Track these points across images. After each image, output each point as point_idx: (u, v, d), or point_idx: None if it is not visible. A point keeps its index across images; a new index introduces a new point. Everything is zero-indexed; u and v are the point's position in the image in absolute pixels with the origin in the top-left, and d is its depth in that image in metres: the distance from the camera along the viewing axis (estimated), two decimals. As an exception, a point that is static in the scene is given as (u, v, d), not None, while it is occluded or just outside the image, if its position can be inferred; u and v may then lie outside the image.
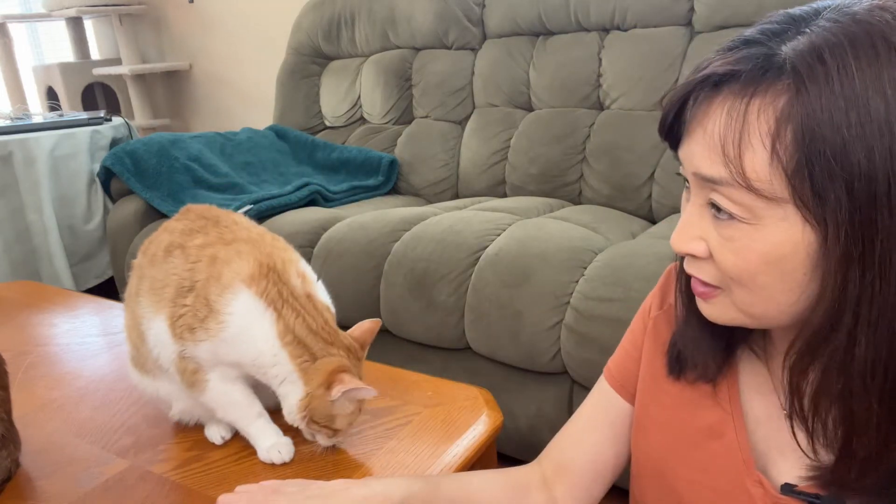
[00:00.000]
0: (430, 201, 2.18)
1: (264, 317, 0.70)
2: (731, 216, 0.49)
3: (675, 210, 1.77)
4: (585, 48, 2.00)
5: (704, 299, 0.55)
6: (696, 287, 0.55)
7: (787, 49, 0.46)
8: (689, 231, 0.53)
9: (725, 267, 0.51)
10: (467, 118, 2.24)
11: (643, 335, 0.69)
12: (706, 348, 0.60)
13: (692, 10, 1.84)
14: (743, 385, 0.61)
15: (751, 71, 0.47)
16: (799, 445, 0.55)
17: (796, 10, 0.49)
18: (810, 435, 0.53)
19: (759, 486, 0.57)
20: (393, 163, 2.25)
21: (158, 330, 0.75)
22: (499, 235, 1.55)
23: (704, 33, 1.83)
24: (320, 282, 0.79)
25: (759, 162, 0.46)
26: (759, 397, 0.60)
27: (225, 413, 0.77)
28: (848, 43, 0.44)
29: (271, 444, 0.77)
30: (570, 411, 1.43)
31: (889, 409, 0.48)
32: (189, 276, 0.73)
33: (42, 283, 1.62)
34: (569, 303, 1.36)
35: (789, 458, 0.57)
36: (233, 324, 0.70)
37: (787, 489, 0.55)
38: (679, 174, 0.54)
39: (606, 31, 1.99)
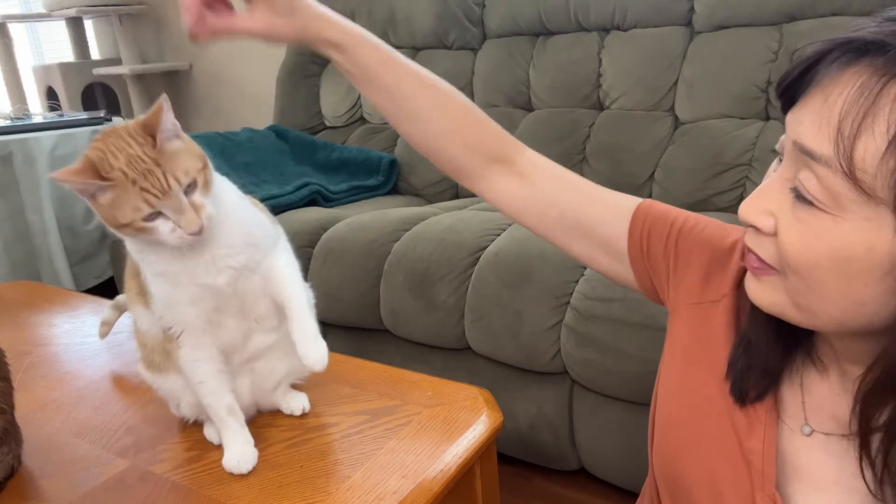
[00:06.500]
0: (430, 201, 2.18)
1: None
2: (813, 203, 0.44)
3: (675, 210, 1.77)
4: (585, 48, 2.00)
5: (756, 276, 0.50)
6: (751, 262, 0.50)
7: None
8: (763, 202, 0.48)
9: (786, 249, 0.46)
10: (467, 118, 2.23)
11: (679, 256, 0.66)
12: (768, 357, 0.54)
13: (692, 10, 1.84)
14: (786, 396, 0.55)
15: None
16: (864, 480, 0.48)
17: None
18: (878, 476, 0.47)
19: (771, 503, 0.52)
20: (393, 163, 2.25)
21: (141, 315, 0.76)
22: (499, 235, 1.55)
23: (704, 33, 1.83)
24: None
25: (871, 151, 0.41)
26: (801, 414, 0.54)
27: (195, 391, 0.75)
28: None
29: (234, 451, 0.75)
30: (570, 411, 1.43)
31: None
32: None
33: (42, 283, 1.62)
34: (569, 303, 1.36)
35: (818, 484, 0.51)
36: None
37: None
38: (774, 150, 0.50)
39: (606, 31, 1.99)
